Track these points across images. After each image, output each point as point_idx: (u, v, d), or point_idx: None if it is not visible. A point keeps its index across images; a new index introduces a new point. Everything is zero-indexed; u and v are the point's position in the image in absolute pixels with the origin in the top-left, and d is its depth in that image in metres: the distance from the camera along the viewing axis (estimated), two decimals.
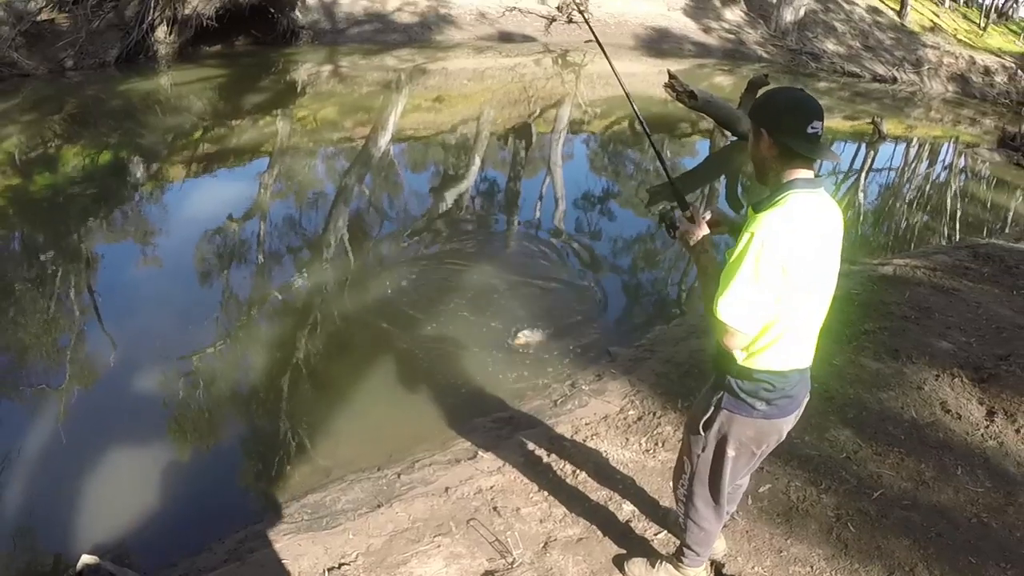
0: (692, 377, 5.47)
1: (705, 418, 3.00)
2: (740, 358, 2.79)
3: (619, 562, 3.78)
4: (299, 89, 15.77)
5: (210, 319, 6.78)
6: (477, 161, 12.18)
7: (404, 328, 6.58)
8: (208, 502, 4.84)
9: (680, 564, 3.52)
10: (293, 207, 9.75)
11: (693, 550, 3.43)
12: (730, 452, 3.01)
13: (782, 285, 2.58)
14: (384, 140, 12.88)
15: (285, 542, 4.13)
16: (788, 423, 2.99)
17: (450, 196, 10.43)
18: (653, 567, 3.63)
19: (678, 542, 3.59)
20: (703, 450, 3.07)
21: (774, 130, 2.64)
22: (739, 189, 11.60)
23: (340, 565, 3.87)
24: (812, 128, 2.60)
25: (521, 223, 9.54)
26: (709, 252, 2.79)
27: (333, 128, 13.65)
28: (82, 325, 6.76)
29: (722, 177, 12.17)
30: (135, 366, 6.12)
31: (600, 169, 12.88)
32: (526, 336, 6.36)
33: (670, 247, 8.59)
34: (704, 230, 2.85)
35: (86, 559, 4.20)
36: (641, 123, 3.07)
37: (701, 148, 13.92)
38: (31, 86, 13.96)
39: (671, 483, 3.37)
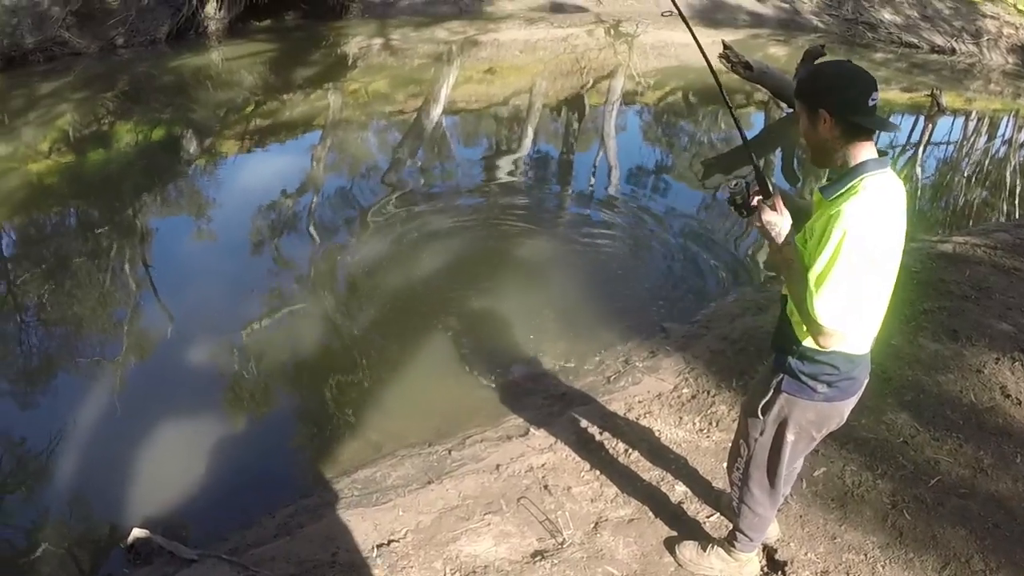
0: (747, 355, 5.35)
1: (764, 401, 2.90)
2: (808, 341, 2.69)
3: (670, 545, 3.71)
4: (350, 63, 15.71)
5: (262, 292, 6.81)
6: (530, 133, 12.05)
7: (455, 302, 6.55)
8: (259, 476, 4.86)
9: (732, 549, 3.44)
10: (345, 180, 9.74)
11: (746, 535, 3.35)
12: (789, 436, 2.93)
13: (873, 277, 2.49)
14: (436, 112, 12.79)
15: (335, 517, 4.12)
16: (849, 405, 2.89)
17: (502, 168, 10.36)
18: (704, 551, 3.56)
19: (730, 526, 3.51)
20: (761, 434, 2.99)
21: (836, 108, 2.48)
22: (795, 163, 11.35)
23: (389, 541, 3.85)
24: (872, 100, 2.48)
25: (574, 196, 9.44)
26: (793, 244, 2.64)
27: (385, 101, 13.59)
28: (136, 298, 6.85)
29: (777, 150, 11.92)
30: (188, 339, 6.17)
31: (654, 141, 12.64)
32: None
33: (726, 221, 8.42)
34: (789, 220, 2.66)
35: (137, 533, 4.25)
36: (725, 100, 2.91)
37: (756, 120, 13.60)
38: (83, 64, 14.09)
39: (725, 465, 3.29)
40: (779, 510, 3.87)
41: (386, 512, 4.06)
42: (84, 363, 6.02)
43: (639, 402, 4.88)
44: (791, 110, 12.02)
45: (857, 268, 2.42)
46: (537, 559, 3.68)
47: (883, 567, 3.65)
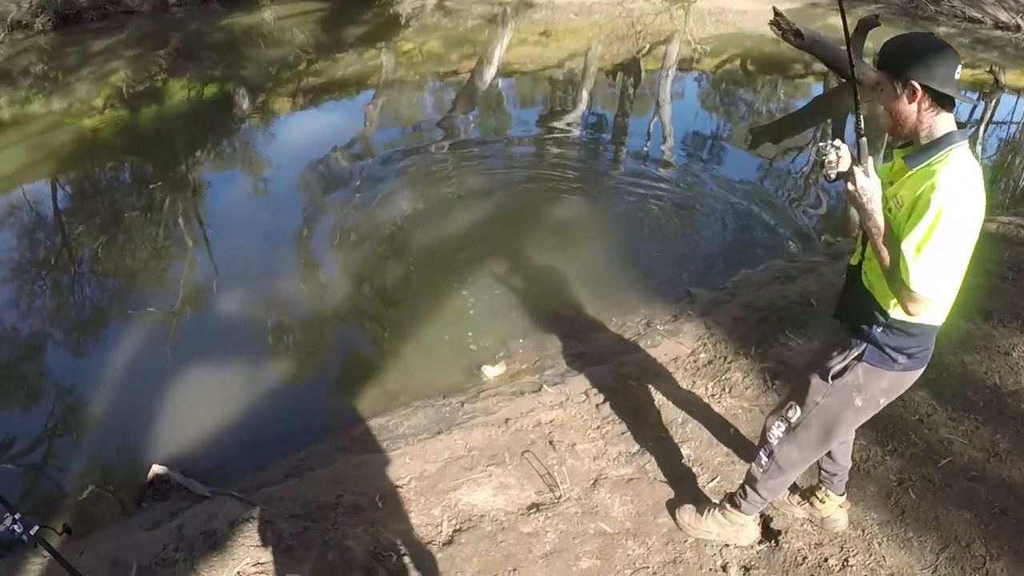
0: (768, 323, 5.28)
1: (838, 368, 2.84)
2: (897, 312, 2.65)
3: (670, 508, 3.70)
4: (403, 22, 15.70)
5: (301, 245, 6.91)
6: (584, 96, 11.98)
7: (486, 258, 6.61)
8: (276, 421, 4.96)
9: (733, 509, 3.41)
10: (395, 138, 9.79)
11: (760, 494, 3.29)
12: (857, 403, 2.89)
13: (965, 247, 2.44)
14: (490, 74, 12.77)
15: (344, 462, 4.21)
16: (918, 374, 2.85)
17: (554, 130, 10.34)
18: (702, 515, 3.54)
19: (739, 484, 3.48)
20: (824, 398, 2.93)
21: (927, 79, 2.45)
22: (847, 133, 11.10)
23: (394, 488, 3.91)
24: (957, 73, 2.46)
25: (623, 159, 9.38)
26: (883, 212, 2.57)
27: (438, 62, 13.60)
28: (178, 249, 7.02)
29: (829, 120, 11.66)
30: (223, 288, 6.35)
31: (708, 108, 12.47)
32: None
33: (767, 191, 8.31)
34: (880, 188, 2.56)
35: (156, 469, 4.43)
36: (854, 86, 2.83)
37: (815, 90, 13.32)
38: (135, 23, 14.38)
39: (766, 420, 3.20)
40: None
41: (394, 459, 4.12)
42: (121, 310, 6.22)
43: (655, 364, 4.85)
44: (843, 79, 11.74)
45: (953, 238, 2.39)
46: (532, 511, 3.70)
47: (879, 544, 3.58)
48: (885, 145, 10.38)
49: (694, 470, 3.95)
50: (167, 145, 9.54)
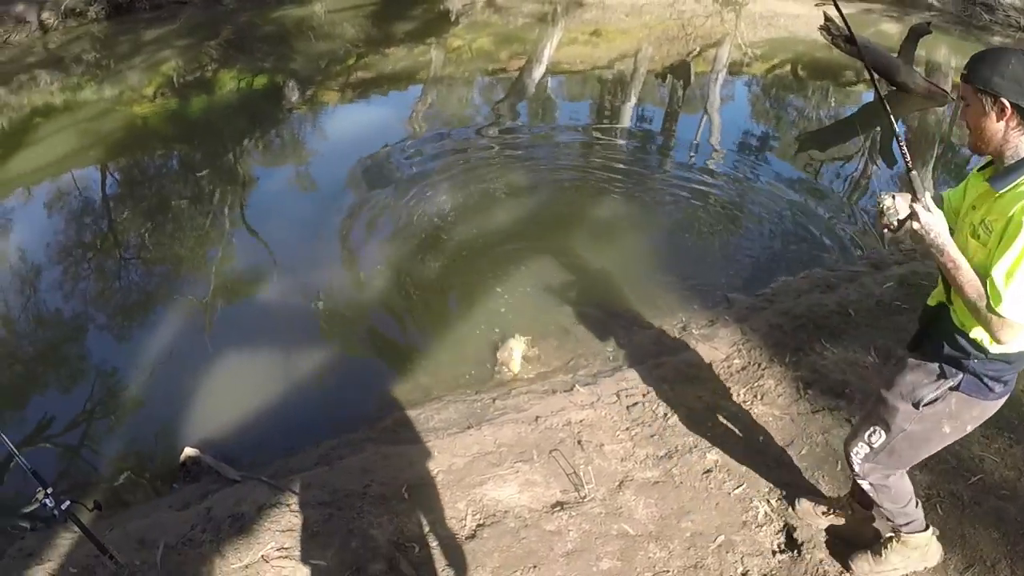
0: (806, 331, 5.23)
1: (931, 397, 2.79)
2: (996, 345, 2.57)
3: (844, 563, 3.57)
4: (453, 19, 15.72)
5: (346, 237, 6.98)
6: (633, 97, 11.94)
7: (528, 254, 6.64)
8: (309, 409, 5.04)
9: (899, 538, 3.34)
10: (443, 134, 9.77)
11: (897, 507, 3.20)
12: (945, 429, 2.84)
13: None
14: (539, 72, 12.76)
15: (373, 452, 4.26)
16: (1006, 398, 2.81)
17: (603, 129, 10.35)
18: (879, 555, 3.42)
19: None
20: (912, 424, 2.88)
21: (1018, 98, 2.36)
22: (894, 144, 10.93)
23: (421, 480, 3.94)
24: None
25: (671, 160, 9.34)
26: (953, 243, 2.48)
27: (488, 59, 13.61)
28: (224, 237, 7.16)
29: (878, 129, 11.49)
30: (261, 277, 6.47)
31: (758, 113, 12.32)
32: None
33: (811, 199, 8.22)
34: (944, 219, 2.50)
35: (188, 451, 4.53)
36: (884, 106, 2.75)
37: (866, 97, 13.11)
38: (187, 13, 14.60)
39: (846, 447, 3.14)
40: (808, 489, 3.82)
41: (423, 452, 4.17)
42: (163, 295, 6.37)
43: (689, 368, 4.83)
44: (893, 88, 11.57)
45: None
46: (556, 509, 3.71)
47: None
48: (932, 159, 10.24)
49: (720, 476, 3.92)
50: (216, 135, 9.70)
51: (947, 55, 15.25)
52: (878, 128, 11.31)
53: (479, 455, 4.11)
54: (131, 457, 4.79)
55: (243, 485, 4.10)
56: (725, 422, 4.32)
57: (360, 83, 12.12)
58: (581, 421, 4.34)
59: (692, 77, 13.29)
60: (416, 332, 5.78)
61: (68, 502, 3.09)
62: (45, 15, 13.19)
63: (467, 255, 6.67)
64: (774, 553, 3.54)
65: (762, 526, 3.65)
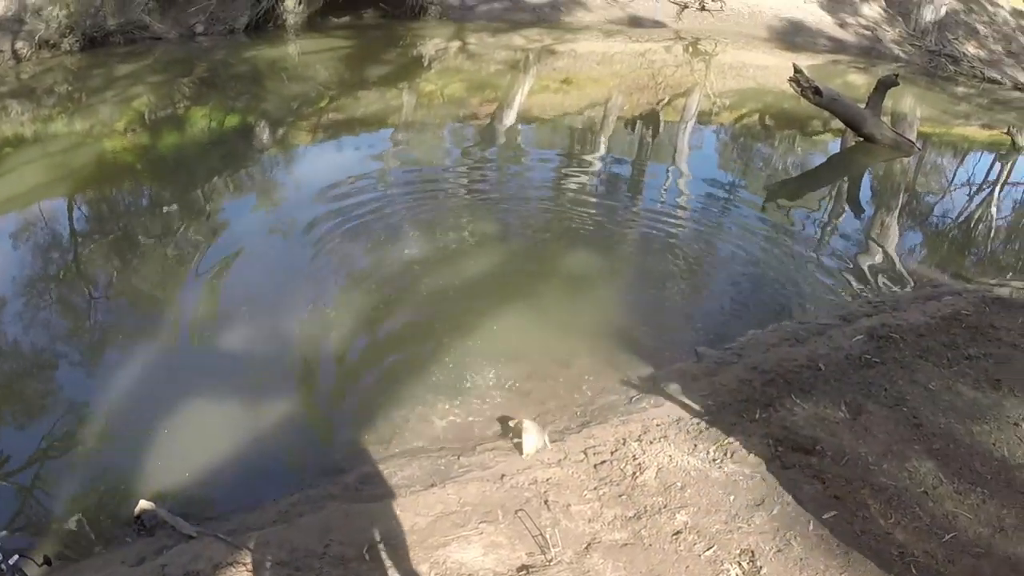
0: (775, 386, 5.19)
1: None
2: None
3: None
4: (426, 64, 15.83)
5: (306, 284, 6.84)
6: (603, 146, 12.01)
7: (492, 307, 6.53)
8: (269, 462, 4.88)
9: None
10: (412, 180, 9.70)
11: None
12: None
13: None
14: (510, 119, 12.81)
15: (334, 510, 4.14)
16: None
17: (571, 177, 10.31)
18: None
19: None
20: None
21: None
22: (862, 191, 11.08)
23: (382, 540, 3.82)
24: None
25: (639, 210, 9.29)
26: None
27: (459, 104, 13.64)
28: (182, 280, 6.96)
29: (846, 179, 11.62)
30: (223, 324, 6.28)
31: (726, 162, 12.41)
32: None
33: (780, 249, 8.24)
34: None
35: (144, 504, 4.36)
36: None
37: (832, 147, 13.30)
38: (162, 49, 14.55)
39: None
40: (780, 551, 3.74)
41: (385, 510, 4.05)
42: (123, 337, 6.16)
43: (656, 425, 4.76)
44: (860, 138, 11.73)
45: None
46: (522, 573, 3.60)
47: None
48: (898, 208, 10.35)
49: (690, 538, 3.83)
50: (185, 173, 9.57)
51: (912, 105, 15.55)
52: (846, 178, 11.44)
53: (443, 514, 4.00)
54: (84, 508, 4.59)
55: (199, 541, 3.97)
56: (695, 481, 4.24)
57: (331, 125, 12.09)
58: (548, 480, 4.24)
59: (661, 126, 13.42)
60: (379, 384, 5.63)
61: (16, 556, 2.94)
62: (19, 44, 13.08)
63: (432, 306, 6.56)
64: None
65: None
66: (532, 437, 4.62)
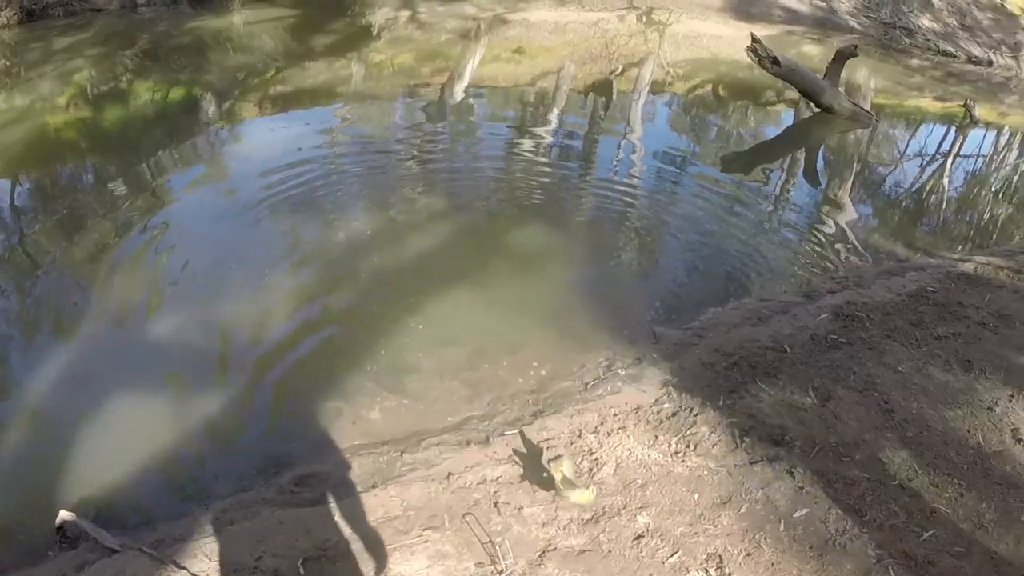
0: (739, 369, 4.92)
1: None
2: None
3: None
4: (375, 33, 15.34)
5: (245, 268, 6.38)
6: (555, 115, 11.65)
7: (442, 287, 6.13)
8: (201, 465, 4.50)
9: None
10: (361, 152, 9.30)
11: None
12: None
13: None
14: (460, 89, 12.43)
15: (268, 517, 3.81)
16: None
17: (523, 148, 9.95)
18: None
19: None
20: None
21: None
22: (818, 163, 10.90)
23: (319, 552, 3.50)
24: None
25: (591, 182, 8.97)
26: None
27: (409, 75, 13.22)
28: (120, 264, 6.46)
29: (802, 150, 11.42)
30: (161, 311, 5.83)
31: (680, 132, 12.13)
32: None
33: (742, 222, 7.99)
34: None
35: (64, 515, 4.02)
36: None
37: (786, 118, 13.11)
38: (103, 21, 14.00)
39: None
40: (749, 555, 3.48)
41: (322, 517, 3.73)
42: (41, 325, 5.73)
43: (614, 415, 4.46)
44: (818, 109, 11.53)
45: None
46: None
47: None
48: (854, 179, 10.19)
49: (652, 542, 3.55)
50: (129, 148, 9.08)
51: (867, 77, 15.45)
52: (803, 149, 11.25)
53: (384, 520, 3.67)
54: (1, 519, 4.23)
55: (123, 555, 3.63)
56: (656, 478, 3.95)
57: (278, 97, 11.62)
58: (498, 478, 3.92)
59: (615, 96, 13.14)
60: (319, 375, 5.20)
61: None
62: None
63: (376, 286, 6.17)
64: None
65: None
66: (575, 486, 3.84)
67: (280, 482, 4.20)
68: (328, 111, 11.12)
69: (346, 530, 3.61)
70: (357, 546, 3.52)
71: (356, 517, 3.69)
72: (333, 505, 3.81)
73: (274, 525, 3.70)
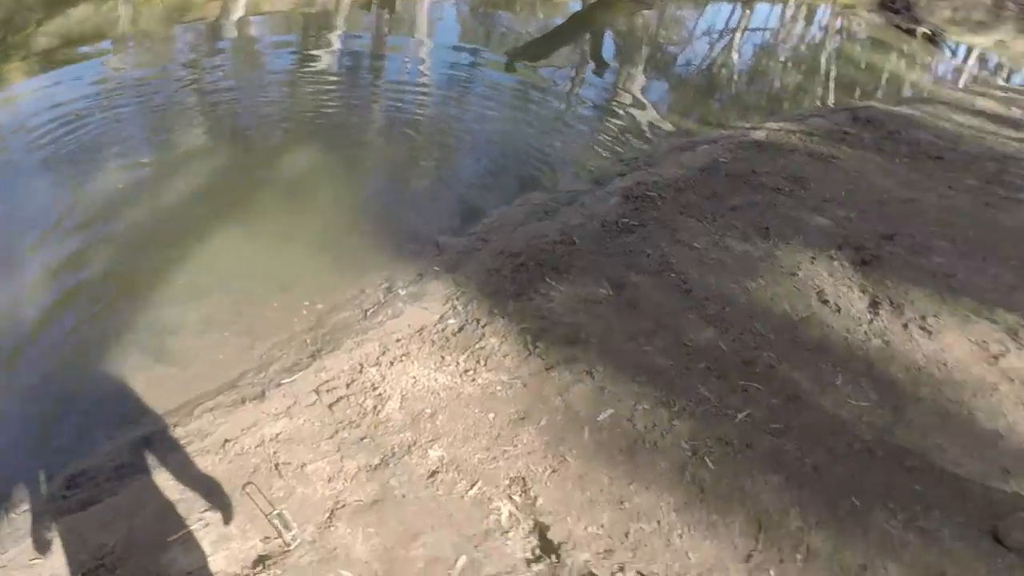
0: (527, 270, 4.71)
1: None
2: None
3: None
4: None
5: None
6: (339, 32, 10.97)
7: (204, 231, 5.47)
8: None
9: None
10: (141, 93, 8.32)
11: None
12: None
13: None
14: (237, 14, 11.48)
15: (36, 528, 3.31)
16: None
17: (308, 65, 9.38)
18: None
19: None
20: None
21: None
22: (607, 48, 10.79)
23: (96, 564, 3.05)
24: None
25: (378, 94, 8.49)
26: None
27: (181, 8, 12.07)
28: None
29: (587, 36, 11.27)
30: None
31: (467, 31, 11.77)
32: None
33: (527, 117, 7.74)
34: None
35: None
36: None
37: (573, 6, 12.89)
38: None
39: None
40: (555, 471, 3.29)
41: (96, 518, 3.26)
42: None
43: (396, 341, 4.16)
44: None
45: None
46: (259, 569, 2.96)
47: (680, 537, 3.12)
48: (644, 61, 10.16)
49: (449, 477, 3.32)
50: None
51: None
52: (588, 35, 11.11)
53: (163, 508, 3.26)
54: None
55: None
56: (446, 403, 3.71)
57: (45, 51, 10.33)
58: (277, 436, 3.56)
59: (397, 2, 12.53)
60: (76, 363, 4.47)
61: None
62: None
63: (136, 242, 5.41)
64: (529, 563, 3.01)
65: (508, 532, 3.11)
66: None
67: (51, 489, 3.67)
68: (101, 56, 10.00)
69: (123, 528, 3.19)
70: (136, 546, 3.11)
71: (131, 510, 3.27)
72: (108, 503, 3.35)
73: (45, 539, 3.22)
